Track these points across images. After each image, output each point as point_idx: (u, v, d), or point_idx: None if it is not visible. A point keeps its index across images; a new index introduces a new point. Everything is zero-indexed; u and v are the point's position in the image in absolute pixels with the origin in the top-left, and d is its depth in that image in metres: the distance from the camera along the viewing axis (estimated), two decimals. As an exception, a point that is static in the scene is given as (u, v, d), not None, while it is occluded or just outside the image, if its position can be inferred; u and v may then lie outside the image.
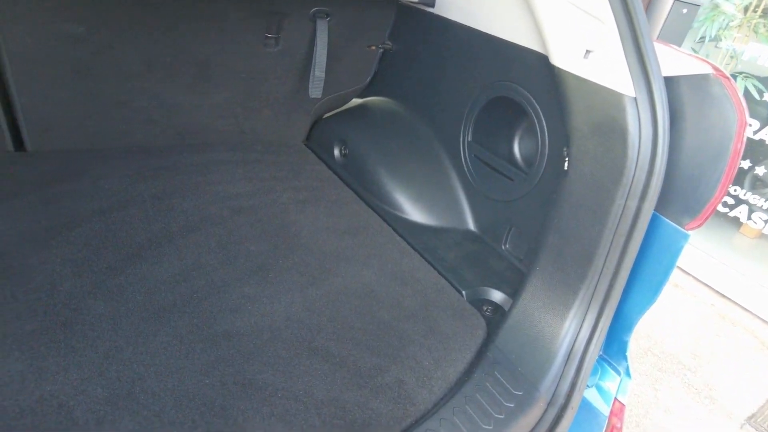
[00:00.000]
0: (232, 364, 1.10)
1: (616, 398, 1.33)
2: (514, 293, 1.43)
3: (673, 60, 1.15)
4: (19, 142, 1.67)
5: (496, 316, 1.44)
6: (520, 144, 1.68)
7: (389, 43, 2.07)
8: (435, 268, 1.57)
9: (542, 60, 1.39)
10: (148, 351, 1.09)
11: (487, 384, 1.17)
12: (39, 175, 1.61)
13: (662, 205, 1.14)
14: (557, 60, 1.22)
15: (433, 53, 1.86)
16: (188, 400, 1.00)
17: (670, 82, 1.11)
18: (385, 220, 1.77)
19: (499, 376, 1.19)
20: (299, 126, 2.21)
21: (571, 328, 1.22)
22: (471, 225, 1.80)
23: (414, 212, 1.82)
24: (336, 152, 2.12)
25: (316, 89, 1.92)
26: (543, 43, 1.28)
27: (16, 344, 1.04)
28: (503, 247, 1.69)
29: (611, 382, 1.34)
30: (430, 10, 1.82)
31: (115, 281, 1.27)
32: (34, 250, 1.30)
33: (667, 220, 1.15)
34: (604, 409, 1.32)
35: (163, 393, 1.00)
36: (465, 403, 1.11)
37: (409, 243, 1.67)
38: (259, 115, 2.07)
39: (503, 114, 1.66)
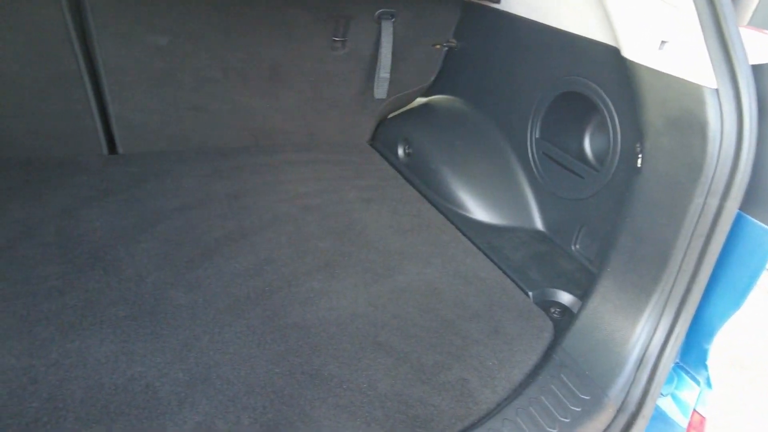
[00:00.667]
0: (300, 355, 1.15)
1: (695, 410, 1.25)
2: (583, 295, 1.39)
3: (764, 47, 1.07)
4: (112, 146, 1.83)
5: (564, 319, 1.40)
6: (590, 140, 1.62)
7: (454, 40, 2.06)
8: (500, 268, 1.55)
9: (613, 53, 1.33)
10: (223, 340, 1.16)
11: (553, 386, 1.14)
12: (128, 175, 1.76)
13: (749, 203, 1.06)
14: (629, 52, 1.16)
15: (499, 49, 1.84)
16: (259, 388, 1.05)
17: (760, 70, 1.03)
18: (448, 219, 1.77)
19: (565, 379, 1.16)
20: (365, 126, 2.25)
21: (643, 333, 1.17)
22: (539, 224, 1.76)
23: (479, 211, 1.81)
24: (400, 151, 2.14)
25: (381, 90, 1.96)
26: (614, 35, 1.23)
27: (111, 329, 1.15)
28: (573, 248, 1.63)
29: (690, 392, 1.26)
30: (496, 6, 1.80)
31: (194, 274, 1.36)
32: (124, 244, 1.43)
33: (754, 220, 1.07)
34: (682, 420, 1.25)
35: (236, 380, 1.06)
36: (529, 404, 1.09)
37: (473, 242, 1.66)
38: (326, 117, 2.14)
39: (573, 110, 1.60)
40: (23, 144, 1.72)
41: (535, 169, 1.74)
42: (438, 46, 2.09)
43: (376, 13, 1.83)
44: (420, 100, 2.32)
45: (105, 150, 1.83)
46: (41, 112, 1.65)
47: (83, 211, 1.55)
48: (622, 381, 1.16)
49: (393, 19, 1.86)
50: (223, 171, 1.87)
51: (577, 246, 1.62)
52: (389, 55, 1.90)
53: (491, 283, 1.48)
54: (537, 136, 1.72)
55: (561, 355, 1.23)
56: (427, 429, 1.02)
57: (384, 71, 1.92)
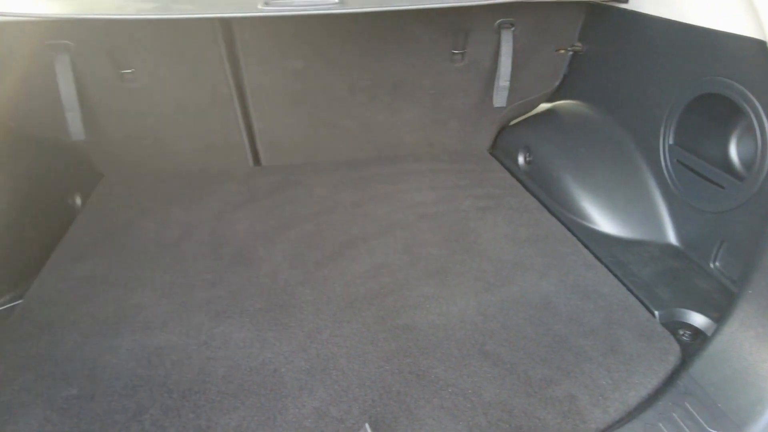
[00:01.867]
0: (410, 355, 1.22)
1: None
2: (720, 318, 1.26)
3: None
4: (256, 159, 2.09)
5: (695, 343, 1.28)
6: (734, 146, 1.46)
7: (579, 44, 1.99)
8: (624, 284, 1.46)
9: (759, 47, 1.19)
10: (341, 334, 1.27)
11: (674, 414, 1.06)
12: (269, 184, 1.99)
13: None
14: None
15: (628, 51, 1.73)
16: (370, 382, 1.14)
17: None
18: (569, 230, 1.71)
19: (690, 408, 1.07)
20: (484, 135, 2.26)
21: None
22: (672, 238, 1.62)
23: (604, 222, 1.72)
24: (520, 159, 2.11)
25: (500, 99, 1.96)
26: (760, 27, 1.11)
27: (248, 318, 1.32)
28: (712, 265, 1.48)
29: None
30: (623, 6, 1.70)
31: (320, 274, 1.50)
32: (263, 245, 1.63)
33: None
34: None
35: (350, 372, 1.16)
36: (644, 430, 1.03)
37: (595, 255, 1.59)
38: (445, 127, 2.19)
39: (712, 113, 1.46)
40: (186, 158, 2.04)
41: (668, 178, 1.61)
42: (562, 51, 2.03)
43: (496, 23, 1.84)
44: (544, 106, 2.27)
45: (251, 162, 2.09)
46: (200, 130, 1.95)
47: (231, 215, 1.80)
48: (764, 421, 1.03)
49: (513, 28, 1.86)
50: (349, 181, 2.02)
51: (717, 264, 1.46)
52: (509, 64, 1.89)
53: (612, 300, 1.40)
54: (671, 143, 1.59)
55: (687, 382, 1.13)
56: (530, 441, 1.01)
57: (503, 80, 1.92)
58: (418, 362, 1.20)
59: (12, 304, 1.45)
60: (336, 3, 1.31)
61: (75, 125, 1.71)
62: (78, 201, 1.90)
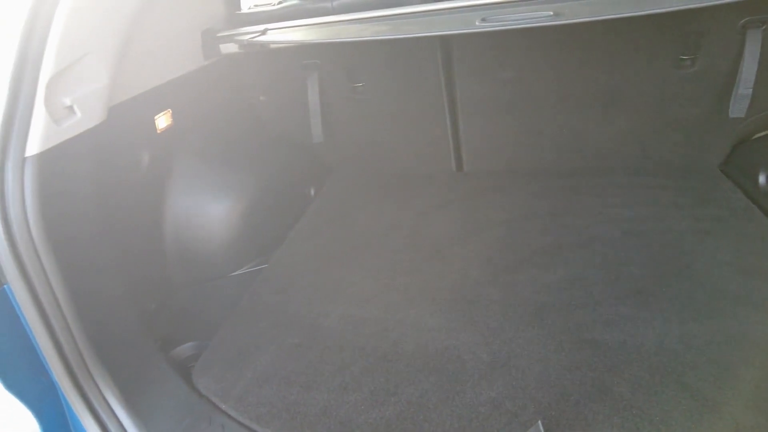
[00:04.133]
0: (595, 369, 1.19)
1: None
2: None
3: None
4: (459, 165, 2.22)
5: None
6: None
7: None
8: None
9: None
10: (525, 338, 1.30)
11: None
12: (469, 189, 2.10)
13: None
14: None
15: None
16: (549, 386, 1.15)
17: None
18: (820, 267, 1.42)
19: None
20: (716, 150, 1.99)
21: None
22: None
23: None
24: (761, 179, 1.81)
25: (739, 108, 1.71)
26: None
27: (438, 306, 1.45)
28: None
29: None
30: None
31: (509, 277, 1.55)
32: (458, 245, 1.74)
33: None
34: None
35: (530, 373, 1.19)
36: None
37: None
38: (666, 139, 2.00)
39: None
40: (399, 160, 2.28)
41: None
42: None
43: (741, 22, 1.63)
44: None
45: (454, 167, 2.23)
46: (413, 136, 2.17)
47: (432, 214, 1.96)
48: None
49: (763, 27, 1.61)
50: (550, 190, 2.01)
51: None
52: (754, 69, 1.64)
53: None
54: None
55: None
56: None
57: (744, 87, 1.67)
58: (603, 378, 1.16)
59: (259, 267, 1.84)
60: (550, 15, 1.34)
61: (316, 129, 2.07)
62: (312, 191, 2.30)
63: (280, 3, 2.00)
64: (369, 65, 1.97)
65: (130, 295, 1.29)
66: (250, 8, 2.09)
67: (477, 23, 1.37)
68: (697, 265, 1.50)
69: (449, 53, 1.87)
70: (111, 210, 1.28)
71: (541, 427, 0.99)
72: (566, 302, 1.42)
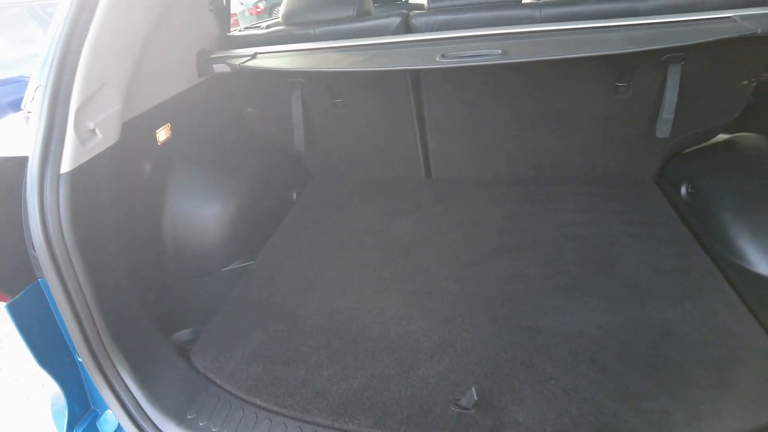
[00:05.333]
0: (526, 350, 1.45)
1: None
2: None
3: None
4: (428, 172, 2.47)
5: (831, 395, 1.24)
6: None
7: (767, 74, 1.91)
8: (764, 328, 1.45)
9: None
10: (472, 324, 1.57)
11: (771, 450, 1.10)
12: (435, 194, 2.36)
13: None
14: None
15: None
16: (486, 363, 1.41)
17: None
18: (718, 267, 1.71)
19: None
20: (649, 163, 2.28)
21: None
22: (842, 289, 1.52)
23: (761, 263, 1.67)
24: (683, 190, 2.10)
25: (663, 130, 1.99)
26: None
27: (401, 298, 1.71)
28: None
29: None
30: (815, 40, 1.62)
31: (464, 273, 1.81)
32: (422, 245, 2.00)
33: None
34: None
35: (472, 353, 1.45)
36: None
37: (740, 295, 1.58)
38: (608, 154, 2.28)
39: None
40: (374, 168, 2.52)
41: None
42: (745, 83, 1.96)
43: (663, 57, 1.90)
44: (722, 137, 2.19)
45: (423, 174, 2.49)
46: (387, 147, 2.41)
47: (402, 217, 2.21)
48: None
49: (682, 62, 1.89)
50: (505, 197, 2.27)
51: None
52: (674, 97, 1.92)
53: (744, 340, 1.41)
54: None
55: (799, 426, 1.15)
56: (613, 437, 1.18)
57: (668, 112, 1.95)
58: (531, 356, 1.43)
59: (247, 264, 2.07)
60: (499, 54, 1.59)
61: (299, 139, 2.30)
62: (294, 196, 2.53)
63: (268, 27, 2.22)
64: (348, 85, 2.21)
65: (137, 287, 1.51)
66: (240, 30, 2.31)
67: (437, 59, 1.62)
68: (621, 264, 1.77)
69: (417, 78, 2.12)
70: (122, 214, 1.51)
71: (474, 393, 1.25)
72: (509, 295, 1.68)
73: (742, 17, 1.60)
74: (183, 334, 1.67)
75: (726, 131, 2.17)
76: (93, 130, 1.32)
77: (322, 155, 2.55)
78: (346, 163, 2.58)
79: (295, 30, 2.10)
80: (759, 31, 1.51)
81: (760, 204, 1.76)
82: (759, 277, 1.64)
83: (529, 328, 1.54)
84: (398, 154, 2.45)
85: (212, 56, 2.05)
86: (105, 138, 1.36)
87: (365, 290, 1.77)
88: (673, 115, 1.95)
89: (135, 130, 1.64)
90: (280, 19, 2.23)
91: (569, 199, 2.21)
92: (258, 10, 11.02)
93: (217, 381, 1.47)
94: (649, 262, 1.78)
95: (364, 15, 2.08)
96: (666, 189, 2.21)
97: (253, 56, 1.95)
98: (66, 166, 1.23)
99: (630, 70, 1.96)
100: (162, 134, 1.84)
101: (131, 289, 1.47)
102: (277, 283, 1.88)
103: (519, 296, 1.68)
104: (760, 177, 1.82)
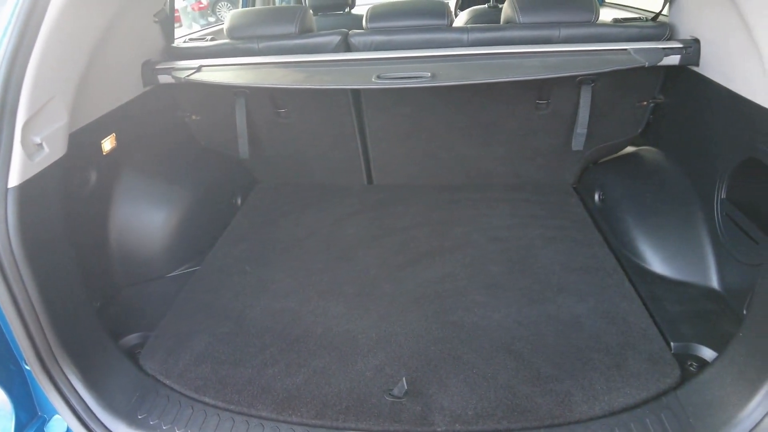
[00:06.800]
0: (452, 343, 1.62)
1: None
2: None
3: None
4: (370, 179, 2.62)
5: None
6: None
7: (661, 97, 2.18)
8: (652, 317, 1.69)
9: None
10: (405, 320, 1.72)
11: (647, 420, 1.32)
12: (378, 200, 2.50)
13: None
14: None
15: (696, 109, 1.92)
16: (418, 356, 1.57)
17: None
18: (621, 266, 1.95)
19: (663, 418, 1.32)
20: (569, 172, 2.53)
21: (760, 407, 1.23)
22: (714, 283, 1.79)
23: (654, 262, 1.93)
24: (596, 197, 2.36)
25: (578, 143, 2.23)
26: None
27: (343, 299, 1.84)
28: (744, 312, 1.64)
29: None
30: (695, 69, 1.89)
31: (400, 274, 1.97)
32: (363, 248, 2.14)
33: None
34: None
35: (406, 347, 1.61)
36: (616, 425, 1.31)
37: (636, 290, 1.82)
38: (533, 163, 2.51)
39: (757, 176, 1.62)
40: (318, 174, 2.64)
41: (718, 229, 1.78)
42: (645, 103, 2.24)
43: (577, 79, 2.13)
44: (630, 149, 2.47)
45: (365, 181, 2.63)
46: (331, 155, 2.54)
47: (346, 222, 2.35)
48: None
49: (593, 84, 2.13)
50: (440, 202, 2.46)
51: (746, 311, 1.62)
52: (587, 114, 2.16)
53: (635, 327, 1.65)
54: (723, 197, 1.76)
55: (670, 399, 1.37)
56: (523, 416, 1.37)
57: (581, 128, 2.19)
58: (456, 349, 1.60)
59: (193, 269, 2.14)
60: (429, 77, 1.75)
61: (243, 147, 2.38)
62: (239, 201, 2.60)
63: (212, 39, 2.28)
64: (291, 96, 2.31)
65: (85, 293, 1.56)
66: (185, 41, 2.36)
67: (373, 80, 1.76)
68: (538, 264, 1.99)
69: (357, 93, 2.26)
70: (70, 224, 1.55)
71: (405, 383, 1.41)
72: (438, 293, 1.85)
73: (636, 50, 1.84)
74: (131, 338, 1.72)
75: (633, 144, 2.45)
76: (40, 144, 1.37)
77: (267, 162, 2.64)
78: (291, 170, 2.68)
79: (239, 44, 2.18)
80: (647, 64, 1.76)
81: (654, 211, 2.02)
82: (652, 274, 1.90)
83: (455, 323, 1.71)
84: (341, 161, 2.57)
85: (157, 67, 2.10)
86: (52, 152, 1.41)
87: (309, 292, 1.89)
88: (586, 130, 2.19)
89: (81, 141, 1.68)
90: (223, 30, 2.30)
91: (496, 205, 2.42)
92: (201, 5, 10.81)
93: (167, 382, 1.54)
94: (562, 261, 2.00)
95: (305, 32, 2.19)
96: (583, 195, 2.46)
97: (198, 69, 2.02)
98: (13, 181, 1.27)
99: (548, 89, 2.19)
100: (107, 144, 1.88)
101: (80, 296, 1.52)
102: (223, 286, 1.96)
103: (447, 294, 1.85)
104: (654, 187, 2.09)
